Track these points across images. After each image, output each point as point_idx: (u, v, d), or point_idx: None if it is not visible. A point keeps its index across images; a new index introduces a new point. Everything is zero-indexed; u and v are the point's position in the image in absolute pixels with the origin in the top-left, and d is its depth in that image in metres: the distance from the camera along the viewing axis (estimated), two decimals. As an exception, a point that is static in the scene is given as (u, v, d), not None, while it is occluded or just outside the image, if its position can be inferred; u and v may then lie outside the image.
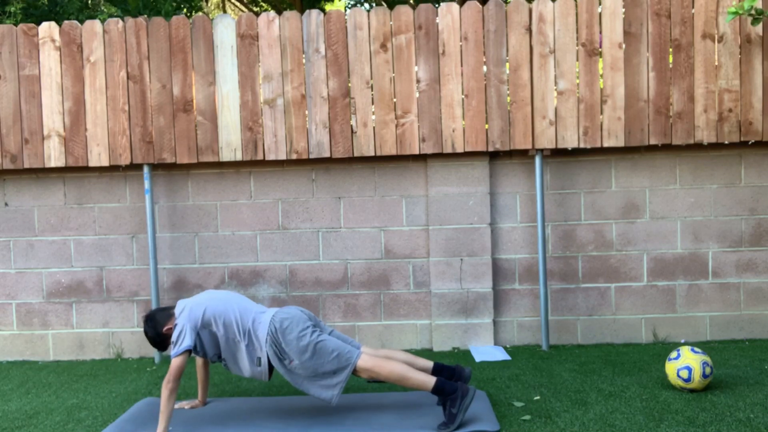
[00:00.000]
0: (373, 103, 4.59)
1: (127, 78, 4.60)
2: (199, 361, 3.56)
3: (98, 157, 4.62)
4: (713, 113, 4.49)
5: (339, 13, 4.58)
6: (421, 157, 4.72)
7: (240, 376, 3.53)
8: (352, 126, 4.58)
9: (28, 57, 4.64)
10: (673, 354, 3.55)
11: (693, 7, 4.48)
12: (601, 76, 4.59)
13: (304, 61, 4.59)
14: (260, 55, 4.60)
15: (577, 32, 4.53)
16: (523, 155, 4.69)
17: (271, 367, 3.28)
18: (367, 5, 13.15)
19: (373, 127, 4.58)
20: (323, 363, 3.16)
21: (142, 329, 4.80)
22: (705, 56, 4.49)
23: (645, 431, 3.03)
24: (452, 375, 3.36)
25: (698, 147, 4.66)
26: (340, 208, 4.77)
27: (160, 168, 4.78)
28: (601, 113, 4.53)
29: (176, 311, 3.29)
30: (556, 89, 4.55)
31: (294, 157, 4.59)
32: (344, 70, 4.58)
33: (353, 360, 3.18)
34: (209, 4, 14.23)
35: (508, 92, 4.57)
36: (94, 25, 4.61)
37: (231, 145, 4.60)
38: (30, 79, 4.64)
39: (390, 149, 4.58)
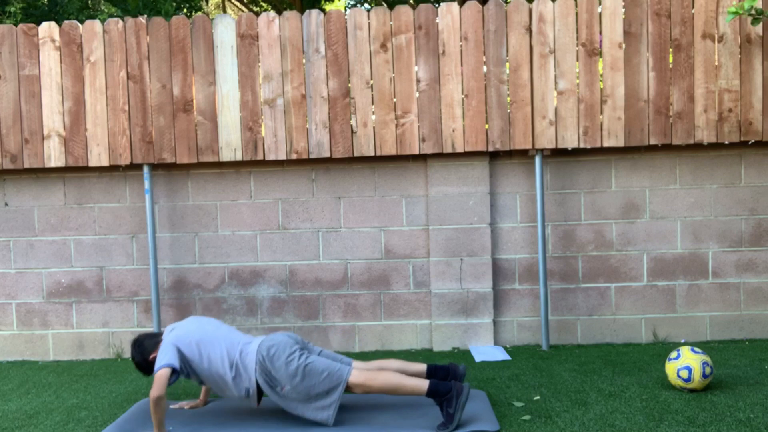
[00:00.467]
0: (373, 103, 4.59)
1: (127, 78, 4.60)
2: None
3: (98, 157, 4.62)
4: (713, 113, 4.49)
5: (339, 13, 4.58)
6: (421, 157, 4.72)
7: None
8: (352, 126, 4.58)
9: (28, 57, 4.64)
10: (673, 354, 3.55)
11: (693, 7, 4.48)
12: (601, 76, 4.59)
13: (304, 61, 4.59)
14: (260, 55, 4.60)
15: (577, 32, 4.53)
16: (523, 155, 4.69)
17: (259, 395, 3.30)
18: (367, 5, 13.15)
19: (373, 127, 4.58)
20: (315, 384, 3.18)
21: (142, 329, 4.80)
22: (705, 56, 4.49)
23: (645, 431, 3.03)
24: (447, 374, 3.38)
25: (698, 147, 4.66)
26: (340, 208, 4.77)
27: (160, 168, 4.78)
28: (601, 113, 4.53)
29: (164, 337, 3.31)
30: (556, 89, 4.55)
31: (294, 157, 4.59)
32: (344, 70, 4.58)
33: (344, 377, 3.19)
34: (209, 4, 14.23)
35: (508, 92, 4.57)
36: (94, 25, 4.61)
37: (231, 145, 4.60)
38: (30, 79, 4.64)
39: (390, 149, 4.58)
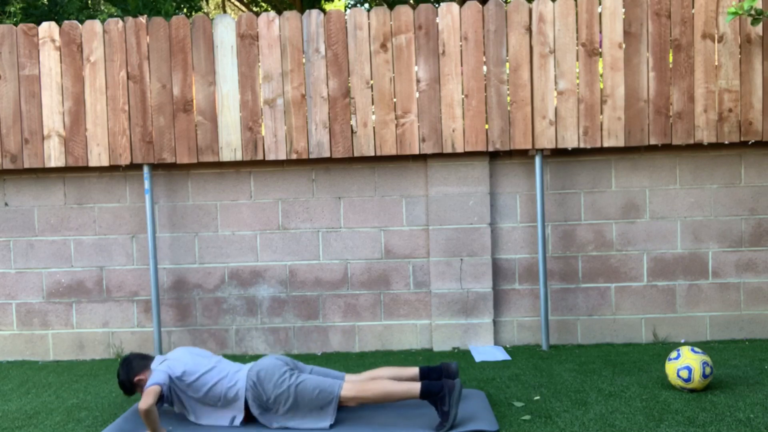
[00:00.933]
0: (373, 103, 4.59)
1: (127, 78, 4.60)
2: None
3: (98, 157, 4.62)
4: (713, 113, 4.49)
5: (339, 13, 4.58)
6: (421, 157, 4.72)
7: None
8: (352, 126, 4.58)
9: (28, 57, 4.64)
10: (673, 354, 3.55)
11: (693, 7, 4.48)
12: (601, 76, 4.59)
13: (304, 61, 4.59)
14: (260, 55, 4.60)
15: (577, 32, 4.53)
16: (523, 155, 4.69)
17: (246, 419, 3.29)
18: (367, 5, 13.15)
19: (373, 127, 4.58)
20: (308, 402, 3.20)
21: (142, 329, 4.81)
22: (705, 56, 4.49)
23: (645, 431, 3.03)
24: (440, 374, 3.40)
25: (698, 147, 4.66)
26: (340, 208, 4.77)
27: (160, 168, 4.78)
28: (601, 113, 4.53)
29: (154, 364, 3.32)
30: (556, 89, 4.55)
31: (294, 157, 4.59)
32: (344, 70, 4.58)
33: (336, 392, 3.21)
34: (209, 4, 14.23)
35: (508, 92, 4.57)
36: (94, 25, 4.61)
37: (231, 145, 4.60)
38: (30, 79, 4.64)
39: (390, 149, 4.58)
